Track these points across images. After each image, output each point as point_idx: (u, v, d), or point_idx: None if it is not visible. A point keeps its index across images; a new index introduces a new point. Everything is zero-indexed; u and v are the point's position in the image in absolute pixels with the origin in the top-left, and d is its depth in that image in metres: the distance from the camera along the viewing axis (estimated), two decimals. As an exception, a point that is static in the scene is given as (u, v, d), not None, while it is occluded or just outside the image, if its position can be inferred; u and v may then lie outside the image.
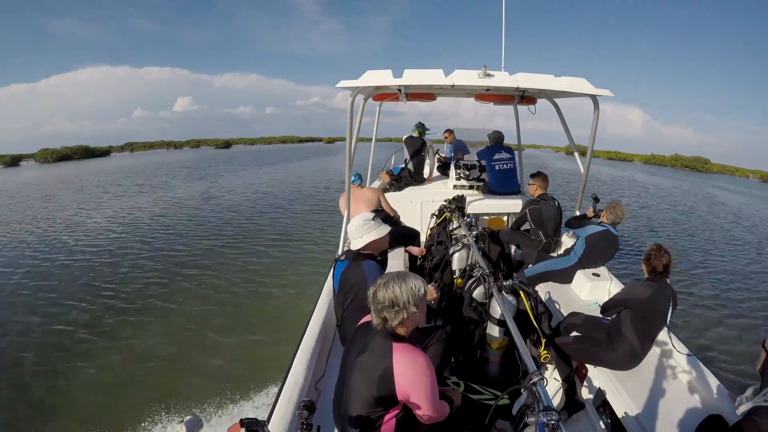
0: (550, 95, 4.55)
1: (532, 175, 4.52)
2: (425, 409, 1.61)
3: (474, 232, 3.69)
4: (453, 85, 3.46)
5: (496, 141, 5.40)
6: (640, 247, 9.89)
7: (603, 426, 2.57)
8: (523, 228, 4.53)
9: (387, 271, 2.27)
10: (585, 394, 2.87)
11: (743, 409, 1.87)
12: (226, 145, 53.98)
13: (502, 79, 3.48)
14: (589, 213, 4.22)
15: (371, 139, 7.31)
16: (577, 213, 4.68)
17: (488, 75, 3.39)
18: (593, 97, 3.79)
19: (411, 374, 1.55)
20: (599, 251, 3.73)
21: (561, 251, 4.30)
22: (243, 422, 1.29)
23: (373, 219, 2.54)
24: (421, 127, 5.96)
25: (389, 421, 1.63)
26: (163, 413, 4.18)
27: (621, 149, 47.59)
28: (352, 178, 4.33)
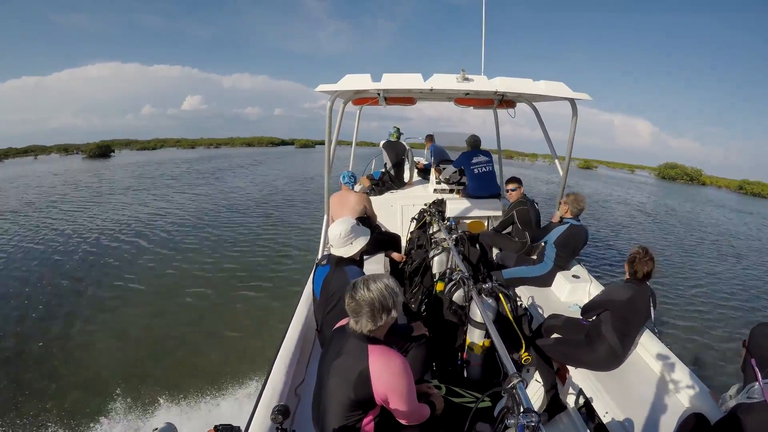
0: (530, 99, 4.59)
1: (510, 180, 4.55)
2: (403, 410, 1.58)
3: (454, 236, 3.68)
4: (432, 89, 3.46)
5: (473, 145, 5.45)
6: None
7: (585, 427, 2.57)
8: (506, 231, 4.54)
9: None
10: (567, 395, 2.88)
11: (728, 406, 1.91)
12: (102, 152, 35.95)
13: (480, 83, 3.49)
14: (554, 219, 4.10)
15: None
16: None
17: (467, 79, 3.40)
18: (572, 101, 3.83)
19: (387, 376, 1.52)
20: (570, 248, 3.78)
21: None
22: (218, 429, 1.24)
23: (357, 224, 2.49)
24: (398, 131, 5.99)
25: (368, 424, 1.60)
26: (138, 418, 4.06)
27: (630, 161, 38.53)
28: (345, 179, 4.27)
